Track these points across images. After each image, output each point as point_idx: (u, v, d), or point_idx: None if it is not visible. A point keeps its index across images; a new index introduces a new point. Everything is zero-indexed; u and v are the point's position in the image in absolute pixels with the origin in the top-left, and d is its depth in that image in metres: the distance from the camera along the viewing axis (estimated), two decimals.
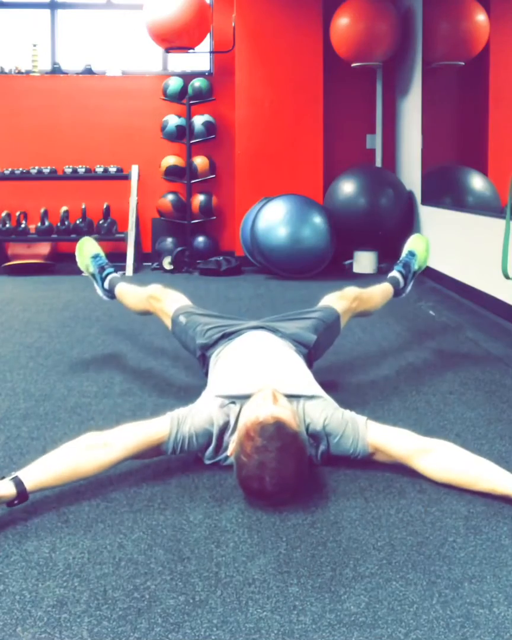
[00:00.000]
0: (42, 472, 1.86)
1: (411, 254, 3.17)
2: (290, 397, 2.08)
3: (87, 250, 3.21)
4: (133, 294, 3.06)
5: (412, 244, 3.24)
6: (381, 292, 3.01)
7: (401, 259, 3.18)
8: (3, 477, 1.82)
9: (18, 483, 1.79)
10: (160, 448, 2.03)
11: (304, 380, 2.26)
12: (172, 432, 2.02)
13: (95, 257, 3.19)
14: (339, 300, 2.83)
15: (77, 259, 3.22)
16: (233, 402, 2.09)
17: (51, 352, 3.43)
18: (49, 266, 6.14)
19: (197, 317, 2.72)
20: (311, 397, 2.13)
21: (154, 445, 2.01)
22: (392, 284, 3.06)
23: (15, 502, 1.80)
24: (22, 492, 1.79)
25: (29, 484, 1.80)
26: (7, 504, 1.80)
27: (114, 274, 3.18)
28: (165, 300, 2.87)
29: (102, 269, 3.17)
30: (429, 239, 3.31)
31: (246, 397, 2.06)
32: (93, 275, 3.20)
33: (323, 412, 2.08)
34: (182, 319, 2.73)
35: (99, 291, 3.21)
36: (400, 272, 3.10)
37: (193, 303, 2.89)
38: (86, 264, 3.20)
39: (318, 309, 2.80)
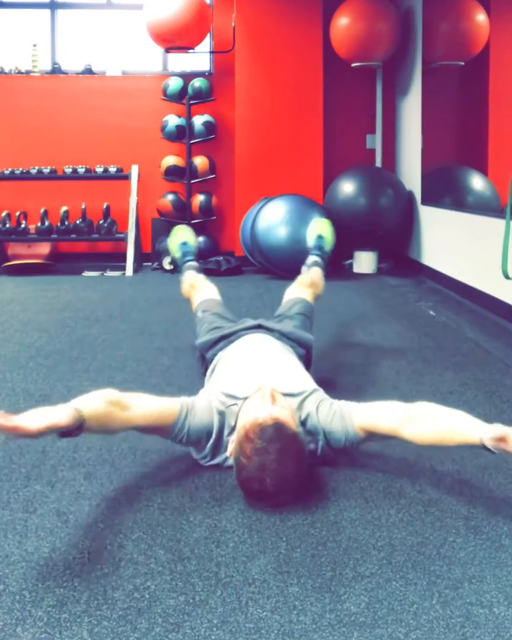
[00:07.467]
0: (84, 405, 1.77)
1: (320, 237, 3.43)
2: (288, 395, 2.07)
3: (178, 238, 3.49)
4: (183, 281, 3.27)
5: (318, 228, 3.48)
6: (320, 276, 3.21)
7: (312, 244, 3.42)
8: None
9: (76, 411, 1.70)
10: (167, 429, 2.00)
11: (302, 380, 2.26)
12: (180, 418, 2.00)
13: (183, 244, 3.45)
14: (302, 288, 3.06)
15: (169, 242, 3.53)
16: (234, 404, 2.08)
17: (51, 352, 3.43)
18: (49, 266, 6.14)
19: (210, 315, 2.83)
20: (308, 394, 2.13)
21: (162, 424, 1.98)
22: (319, 267, 3.27)
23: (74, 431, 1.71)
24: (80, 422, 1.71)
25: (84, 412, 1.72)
26: (61, 434, 1.71)
27: (190, 262, 3.38)
28: (200, 290, 3.12)
29: (184, 255, 3.43)
30: (330, 221, 3.61)
31: (247, 399, 2.05)
32: (177, 260, 3.48)
33: (314, 404, 2.08)
34: (199, 314, 2.92)
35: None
36: (318, 255, 3.35)
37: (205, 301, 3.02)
38: (174, 249, 3.49)
39: (295, 302, 2.95)
